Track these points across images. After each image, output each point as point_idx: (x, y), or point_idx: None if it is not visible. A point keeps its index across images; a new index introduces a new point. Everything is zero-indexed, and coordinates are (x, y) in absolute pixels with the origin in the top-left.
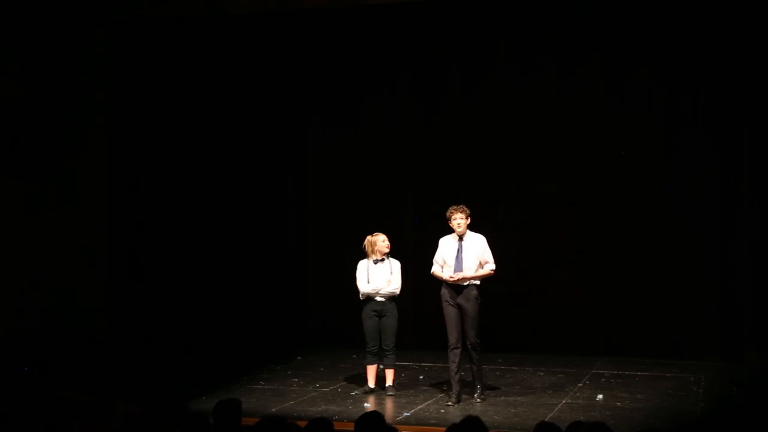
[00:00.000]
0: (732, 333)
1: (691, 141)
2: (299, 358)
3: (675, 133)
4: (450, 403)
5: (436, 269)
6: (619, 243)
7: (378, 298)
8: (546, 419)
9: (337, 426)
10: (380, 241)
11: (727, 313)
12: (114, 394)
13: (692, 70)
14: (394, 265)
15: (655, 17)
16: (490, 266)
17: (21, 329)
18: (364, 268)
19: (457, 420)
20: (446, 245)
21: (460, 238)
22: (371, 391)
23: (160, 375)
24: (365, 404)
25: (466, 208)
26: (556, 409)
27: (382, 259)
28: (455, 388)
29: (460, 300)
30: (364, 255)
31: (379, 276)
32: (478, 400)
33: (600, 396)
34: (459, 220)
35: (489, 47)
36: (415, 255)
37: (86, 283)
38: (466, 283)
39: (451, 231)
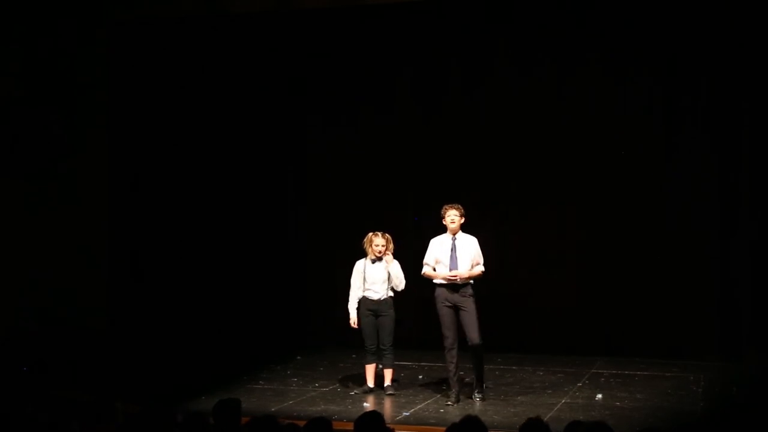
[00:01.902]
0: (732, 333)
1: (691, 141)
2: (299, 358)
3: (675, 133)
4: (449, 403)
5: (427, 270)
6: (619, 243)
7: (373, 297)
8: (545, 419)
9: (336, 426)
10: (374, 243)
11: (727, 313)
12: (114, 394)
13: (692, 70)
14: (394, 265)
15: (655, 17)
16: (481, 267)
17: (21, 329)
18: (361, 268)
19: (457, 420)
20: (439, 245)
21: (454, 237)
22: (370, 390)
23: (160, 375)
24: (364, 404)
25: (460, 207)
26: (556, 408)
27: (380, 259)
28: (454, 387)
29: (456, 300)
30: (363, 254)
31: (376, 276)
32: (478, 399)
33: (599, 395)
34: (453, 216)
35: (489, 47)
36: (415, 255)
37: (86, 283)
38: (461, 283)
39: (442, 232)
